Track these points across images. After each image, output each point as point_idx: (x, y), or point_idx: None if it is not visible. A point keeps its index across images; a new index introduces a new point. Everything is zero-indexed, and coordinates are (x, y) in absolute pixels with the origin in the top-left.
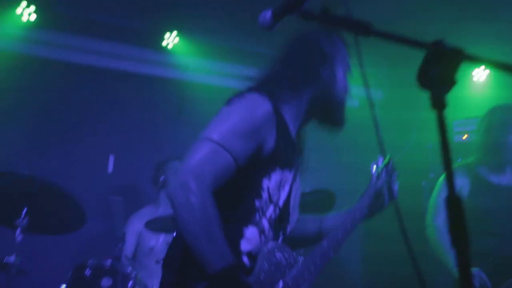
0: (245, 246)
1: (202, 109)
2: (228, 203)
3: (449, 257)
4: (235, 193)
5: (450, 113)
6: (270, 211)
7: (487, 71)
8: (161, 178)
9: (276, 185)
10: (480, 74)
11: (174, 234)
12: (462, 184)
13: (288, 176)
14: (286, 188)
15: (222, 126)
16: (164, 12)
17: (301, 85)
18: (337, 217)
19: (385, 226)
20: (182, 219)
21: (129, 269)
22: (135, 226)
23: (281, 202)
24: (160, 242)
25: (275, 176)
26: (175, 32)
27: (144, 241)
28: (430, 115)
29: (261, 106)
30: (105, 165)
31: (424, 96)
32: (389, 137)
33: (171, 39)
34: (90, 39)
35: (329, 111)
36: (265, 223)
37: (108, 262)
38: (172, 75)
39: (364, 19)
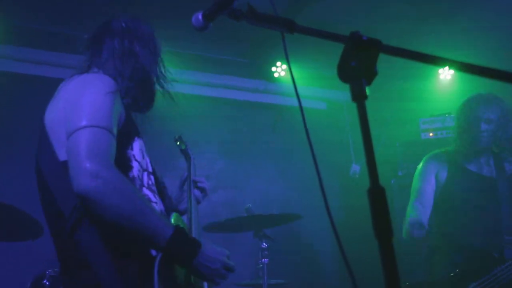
0: None
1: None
2: None
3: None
4: None
5: (416, 111)
6: (145, 178)
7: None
8: None
9: (140, 153)
10: (446, 72)
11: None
12: (439, 169)
13: (143, 143)
14: (146, 154)
15: (90, 109)
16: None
17: (121, 64)
18: None
19: (360, 226)
20: (116, 206)
21: None
22: None
23: (150, 168)
24: None
25: (136, 145)
26: None
27: None
28: (396, 115)
29: (108, 82)
30: None
31: (391, 95)
32: (359, 136)
33: None
34: (42, 50)
35: (140, 90)
36: (146, 191)
37: None
38: None
39: (288, 18)
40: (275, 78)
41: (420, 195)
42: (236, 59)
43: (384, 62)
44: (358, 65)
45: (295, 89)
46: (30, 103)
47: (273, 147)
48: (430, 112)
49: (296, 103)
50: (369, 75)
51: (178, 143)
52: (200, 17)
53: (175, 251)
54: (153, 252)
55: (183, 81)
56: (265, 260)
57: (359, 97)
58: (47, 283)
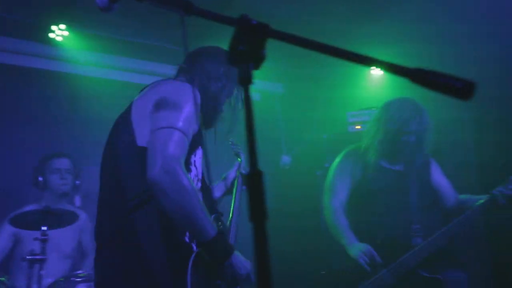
0: None
1: (93, 103)
2: None
3: (345, 237)
4: None
5: (346, 104)
6: (198, 185)
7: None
8: (40, 179)
9: (200, 161)
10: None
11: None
12: (354, 165)
13: (202, 153)
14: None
15: (181, 115)
16: (51, 5)
17: (200, 82)
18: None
19: (291, 215)
20: (177, 200)
21: None
22: (8, 228)
23: (200, 175)
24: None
25: (199, 153)
26: (63, 26)
27: (23, 241)
28: (326, 107)
29: (197, 96)
30: None
31: (321, 89)
32: (292, 127)
33: (59, 32)
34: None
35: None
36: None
37: None
38: (63, 69)
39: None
40: None
41: (335, 193)
42: (172, 47)
43: (316, 54)
44: (246, 49)
45: None
46: None
47: None
48: (359, 105)
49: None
50: (257, 59)
51: (232, 145)
52: None
53: (213, 249)
54: (194, 247)
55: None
56: None
57: (245, 81)
58: None
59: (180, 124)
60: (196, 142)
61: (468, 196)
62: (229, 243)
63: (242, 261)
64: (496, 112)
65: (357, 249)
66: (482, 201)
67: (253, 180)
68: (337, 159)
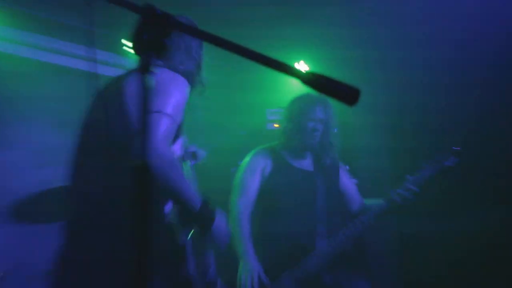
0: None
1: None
2: None
3: (242, 244)
4: None
5: (266, 102)
6: None
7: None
8: None
9: (181, 148)
10: (301, 65)
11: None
12: (265, 164)
13: (183, 140)
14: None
15: (171, 101)
16: None
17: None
18: None
19: None
20: (169, 177)
21: None
22: None
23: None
24: None
25: (179, 141)
26: None
27: None
28: (245, 103)
29: (187, 85)
30: None
31: (241, 85)
32: (211, 120)
33: None
34: None
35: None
36: None
37: None
38: None
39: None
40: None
41: (243, 191)
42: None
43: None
44: (149, 38)
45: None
46: None
47: None
48: (279, 103)
49: None
50: (158, 48)
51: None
52: None
53: (205, 215)
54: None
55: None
56: None
57: (144, 70)
58: None
59: (169, 109)
60: (178, 132)
61: (373, 200)
62: (215, 210)
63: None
64: (411, 118)
65: (246, 268)
66: (380, 202)
67: (140, 174)
68: (248, 157)
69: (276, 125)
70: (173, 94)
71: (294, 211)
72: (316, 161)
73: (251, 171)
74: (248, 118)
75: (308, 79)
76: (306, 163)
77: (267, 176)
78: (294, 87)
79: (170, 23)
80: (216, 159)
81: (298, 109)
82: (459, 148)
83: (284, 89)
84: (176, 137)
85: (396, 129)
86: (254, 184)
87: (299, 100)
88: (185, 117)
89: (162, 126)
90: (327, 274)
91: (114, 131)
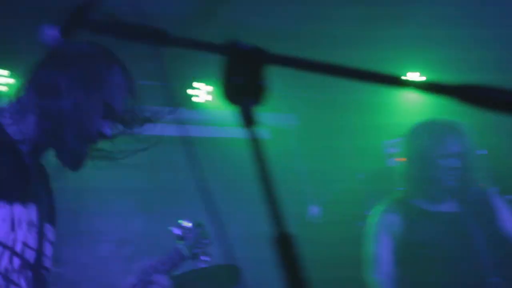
0: None
1: None
2: None
3: None
4: None
5: (377, 134)
6: (4, 261)
7: (423, 78)
8: None
9: (7, 225)
10: (415, 78)
11: None
12: (394, 220)
13: (23, 211)
14: (25, 227)
15: None
16: None
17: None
18: None
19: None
20: None
21: None
22: None
23: (19, 247)
24: None
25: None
26: None
27: None
28: (356, 137)
29: None
30: None
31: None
32: (314, 169)
33: None
34: None
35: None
36: None
37: None
38: None
39: (160, 26)
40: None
41: (378, 264)
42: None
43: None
44: (242, 81)
45: None
46: None
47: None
48: (396, 131)
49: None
50: (256, 92)
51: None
52: (52, 32)
53: None
54: None
55: None
56: None
57: (248, 122)
58: None
59: None
60: None
61: None
62: None
63: None
64: None
65: None
66: None
67: (283, 246)
68: (372, 220)
69: (398, 159)
70: None
71: (448, 265)
72: (461, 199)
73: (380, 236)
74: (362, 157)
75: (470, 95)
76: (447, 206)
77: (399, 233)
78: (409, 106)
79: (264, 58)
80: (334, 215)
81: (422, 145)
82: None
83: (396, 110)
84: None
85: None
86: (388, 252)
87: (421, 131)
88: (284, 169)
89: None
90: None
91: None
